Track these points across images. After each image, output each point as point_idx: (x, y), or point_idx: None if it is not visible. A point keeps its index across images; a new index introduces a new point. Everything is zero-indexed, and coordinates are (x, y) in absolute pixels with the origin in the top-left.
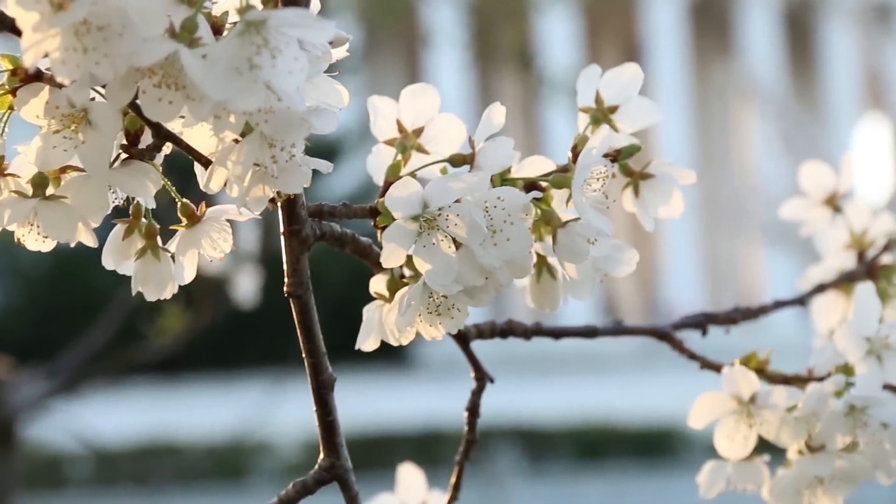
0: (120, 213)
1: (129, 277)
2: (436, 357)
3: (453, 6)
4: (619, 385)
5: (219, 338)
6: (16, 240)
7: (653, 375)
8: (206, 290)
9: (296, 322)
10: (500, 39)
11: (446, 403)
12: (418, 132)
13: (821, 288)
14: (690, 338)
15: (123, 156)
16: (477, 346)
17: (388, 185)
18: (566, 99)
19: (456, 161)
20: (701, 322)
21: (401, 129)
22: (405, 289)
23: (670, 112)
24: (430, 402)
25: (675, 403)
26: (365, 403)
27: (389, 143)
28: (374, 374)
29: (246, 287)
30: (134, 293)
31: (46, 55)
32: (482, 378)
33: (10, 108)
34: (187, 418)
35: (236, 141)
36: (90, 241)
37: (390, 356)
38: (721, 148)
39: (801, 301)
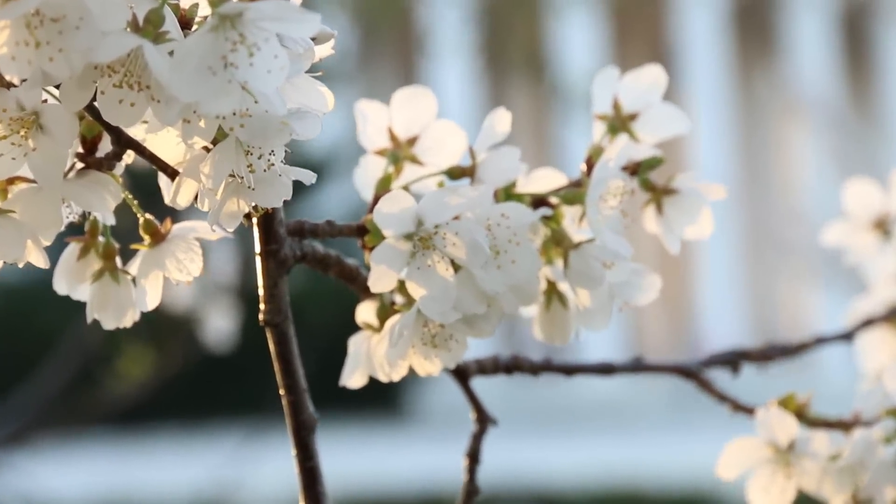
0: (74, 230)
1: (85, 314)
2: (434, 406)
3: (459, 8)
4: (646, 442)
5: (188, 384)
6: None
7: (685, 431)
8: (174, 330)
9: (273, 355)
10: (511, 46)
11: (447, 460)
12: (412, 141)
13: (868, 322)
14: (726, 383)
15: (79, 165)
16: (483, 395)
17: (377, 199)
18: (586, 114)
19: (454, 173)
20: (732, 359)
21: (392, 137)
22: (396, 317)
23: (708, 127)
24: (429, 458)
25: (709, 463)
26: (352, 460)
27: (380, 153)
28: (364, 427)
29: (220, 326)
30: (89, 320)
31: None
32: (484, 420)
33: None
34: (151, 478)
35: (207, 149)
36: (41, 262)
37: (382, 405)
38: (766, 167)
39: (847, 337)
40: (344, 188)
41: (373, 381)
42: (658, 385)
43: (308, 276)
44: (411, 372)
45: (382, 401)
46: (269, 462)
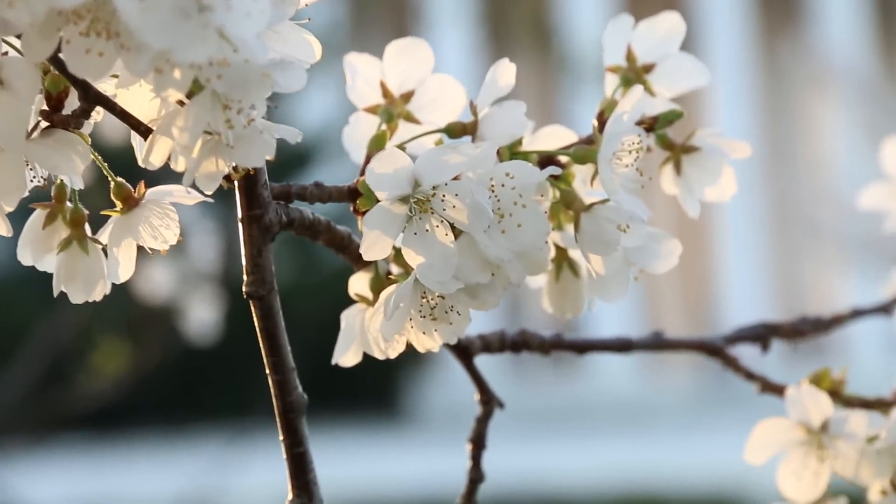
0: (40, 195)
1: (54, 307)
2: (436, 408)
3: None
4: (666, 444)
5: (169, 386)
6: None
7: (708, 432)
8: (152, 321)
9: (258, 330)
10: (515, 14)
11: (450, 465)
12: (407, 97)
13: None
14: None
15: (44, 124)
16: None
17: (369, 159)
18: (595, 86)
19: (454, 131)
20: (761, 334)
21: (385, 93)
22: (392, 288)
23: (730, 99)
24: (427, 462)
25: (731, 466)
26: (348, 467)
27: (371, 110)
28: (360, 431)
29: (202, 316)
30: (56, 293)
31: None
32: (489, 401)
33: None
34: (131, 485)
35: (182, 103)
36: (3, 230)
37: (379, 407)
38: (792, 141)
39: (885, 309)
40: (336, 172)
41: (370, 382)
42: (677, 383)
43: (297, 269)
44: (410, 372)
45: (380, 402)
46: (256, 467)
